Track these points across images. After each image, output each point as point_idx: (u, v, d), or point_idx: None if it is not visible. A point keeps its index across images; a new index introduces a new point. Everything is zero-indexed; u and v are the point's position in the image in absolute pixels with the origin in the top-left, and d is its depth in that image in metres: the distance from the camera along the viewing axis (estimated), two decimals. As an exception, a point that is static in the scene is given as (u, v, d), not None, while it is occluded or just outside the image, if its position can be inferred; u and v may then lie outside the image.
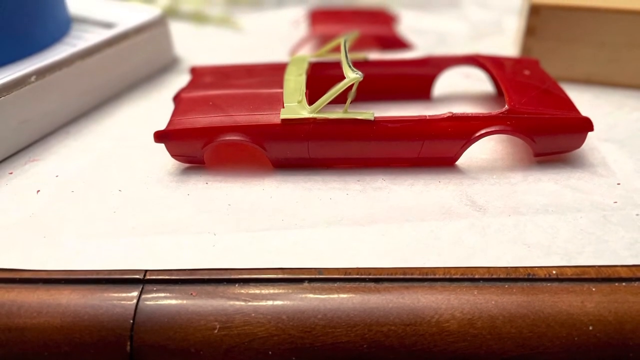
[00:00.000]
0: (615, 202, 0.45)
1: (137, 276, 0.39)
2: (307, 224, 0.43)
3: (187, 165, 0.50)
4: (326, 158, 0.49)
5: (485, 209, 0.45)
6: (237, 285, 0.38)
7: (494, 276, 0.39)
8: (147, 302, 0.37)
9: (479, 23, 0.79)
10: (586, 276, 0.38)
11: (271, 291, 0.38)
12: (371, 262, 0.40)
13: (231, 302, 0.37)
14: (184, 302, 0.37)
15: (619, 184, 0.47)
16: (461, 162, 0.49)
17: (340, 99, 0.47)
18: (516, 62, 0.57)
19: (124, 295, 0.38)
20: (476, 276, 0.39)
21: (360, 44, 0.69)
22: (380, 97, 0.58)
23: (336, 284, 0.38)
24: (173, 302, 0.37)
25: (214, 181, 0.48)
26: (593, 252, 0.40)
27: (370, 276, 0.39)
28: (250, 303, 0.37)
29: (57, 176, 0.49)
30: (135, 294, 0.38)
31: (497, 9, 0.83)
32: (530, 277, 0.38)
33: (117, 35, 0.60)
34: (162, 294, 0.38)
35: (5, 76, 0.50)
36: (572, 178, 0.48)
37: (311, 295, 0.38)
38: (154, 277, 0.39)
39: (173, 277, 0.39)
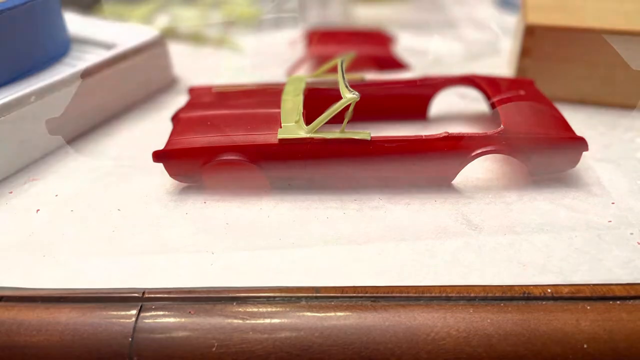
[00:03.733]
0: (610, 222, 0.45)
1: (136, 295, 0.39)
2: (304, 242, 0.44)
3: (185, 184, 0.50)
4: (323, 177, 0.49)
5: (480, 228, 0.45)
6: (234, 304, 0.39)
7: (490, 295, 0.39)
8: (146, 321, 0.38)
9: (475, 44, 0.80)
10: (581, 294, 0.39)
11: (269, 309, 0.38)
12: (368, 280, 0.40)
13: (229, 321, 0.37)
14: (182, 320, 0.38)
15: (613, 203, 0.47)
16: (457, 181, 0.50)
17: (337, 119, 0.47)
18: (511, 83, 0.57)
19: (122, 313, 0.38)
20: (472, 294, 0.39)
21: (357, 64, 0.70)
22: (377, 117, 0.59)
23: (333, 303, 0.39)
24: (171, 320, 0.38)
25: (212, 200, 0.49)
26: (588, 271, 0.41)
27: (366, 294, 0.39)
28: (248, 321, 0.37)
29: (56, 195, 0.49)
30: (133, 312, 0.38)
31: (493, 30, 0.84)
32: (526, 295, 0.39)
33: (116, 56, 0.60)
34: (161, 313, 0.38)
35: (5, 96, 0.50)
36: (567, 197, 0.48)
37: (308, 314, 0.38)
38: (152, 295, 0.39)
39: (171, 296, 0.39)
